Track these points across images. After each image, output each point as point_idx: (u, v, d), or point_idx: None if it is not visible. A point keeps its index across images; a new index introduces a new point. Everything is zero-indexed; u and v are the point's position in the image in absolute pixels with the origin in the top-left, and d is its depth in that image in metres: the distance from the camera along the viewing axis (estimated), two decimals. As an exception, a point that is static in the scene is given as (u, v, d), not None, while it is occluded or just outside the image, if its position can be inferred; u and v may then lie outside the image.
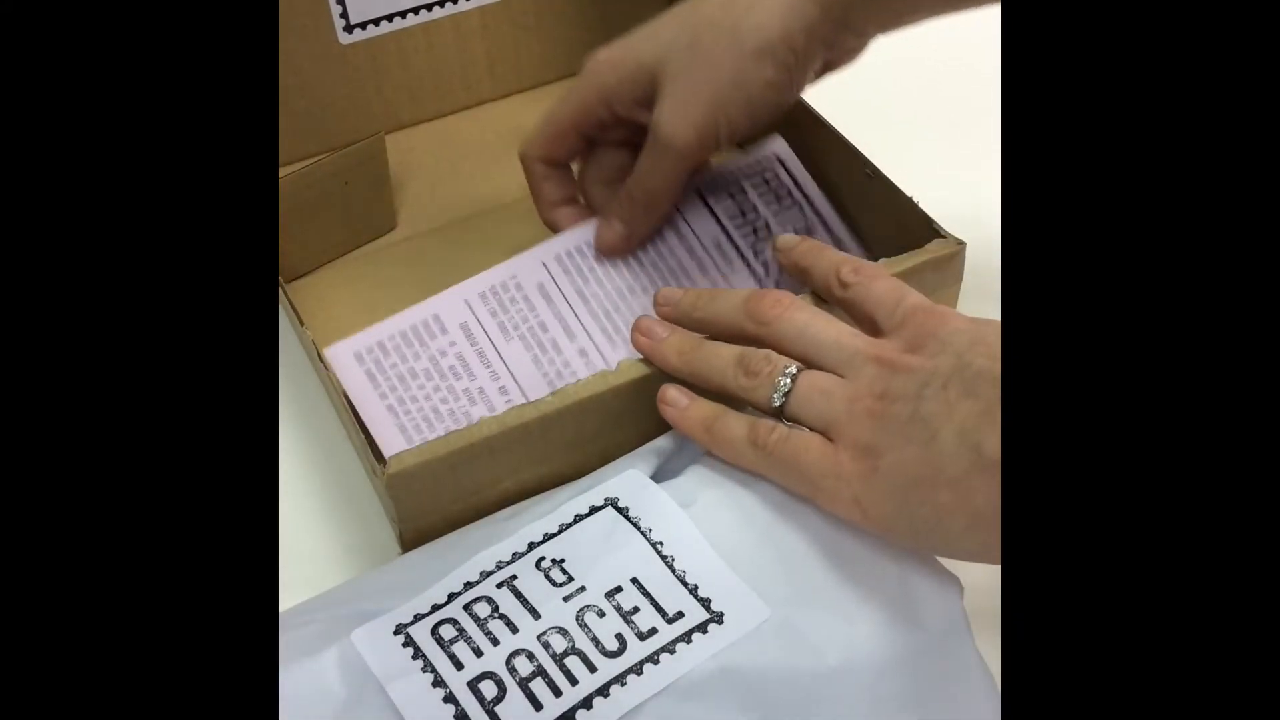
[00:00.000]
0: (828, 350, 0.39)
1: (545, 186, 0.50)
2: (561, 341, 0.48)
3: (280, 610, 0.40)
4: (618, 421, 0.44)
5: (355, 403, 0.44)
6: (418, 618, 0.38)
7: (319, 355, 0.48)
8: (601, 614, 0.37)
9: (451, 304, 0.48)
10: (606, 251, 0.49)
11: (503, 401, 0.46)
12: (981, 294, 0.52)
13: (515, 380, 0.47)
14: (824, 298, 0.44)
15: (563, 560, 0.39)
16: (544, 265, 0.48)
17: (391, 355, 0.46)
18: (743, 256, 0.51)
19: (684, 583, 0.39)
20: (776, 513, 0.41)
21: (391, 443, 0.45)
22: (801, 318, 0.41)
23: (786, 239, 0.46)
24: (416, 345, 0.47)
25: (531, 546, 0.39)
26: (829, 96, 0.57)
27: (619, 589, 0.38)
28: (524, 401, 0.44)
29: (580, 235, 0.50)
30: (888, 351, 0.38)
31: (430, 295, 0.55)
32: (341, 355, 0.46)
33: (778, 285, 0.51)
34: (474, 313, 0.48)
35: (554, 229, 0.51)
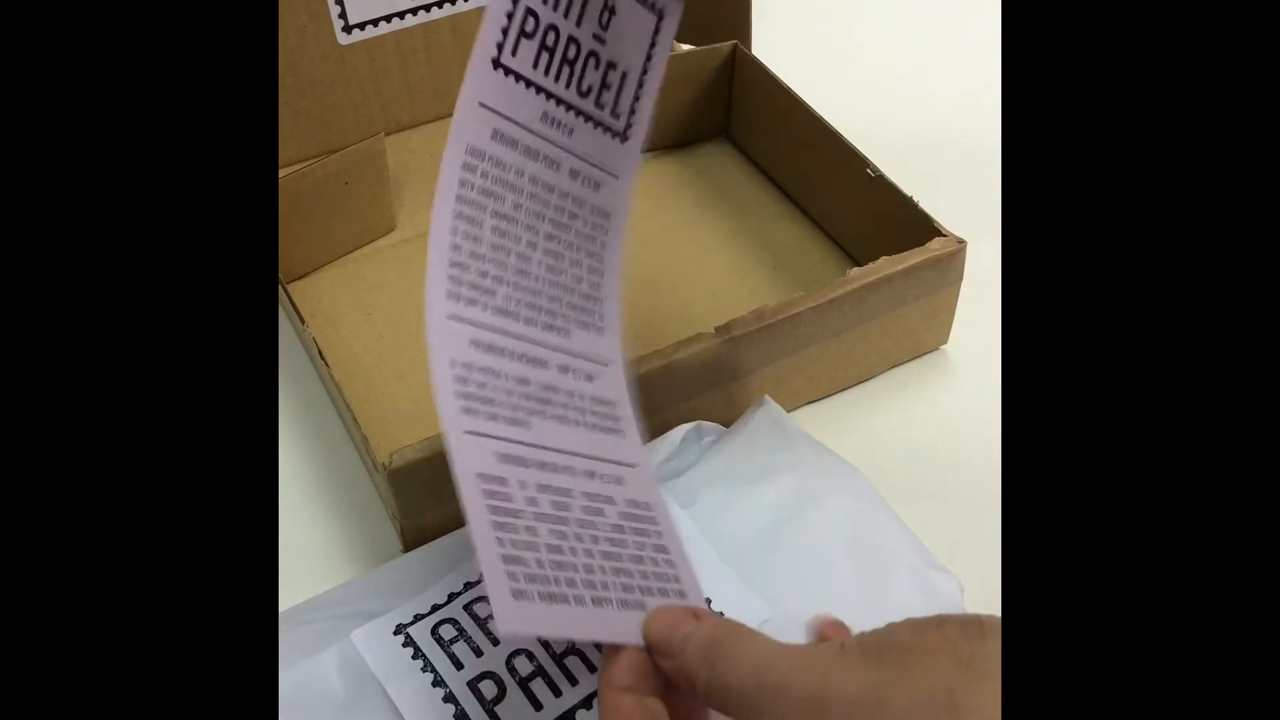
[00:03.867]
0: None
1: None
2: (546, 379, 0.38)
3: (280, 610, 0.40)
4: (618, 421, 0.44)
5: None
6: (418, 618, 0.38)
7: (319, 354, 0.48)
8: (602, 614, 0.37)
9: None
10: None
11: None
12: (982, 294, 0.52)
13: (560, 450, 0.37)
14: None
15: (563, 560, 0.38)
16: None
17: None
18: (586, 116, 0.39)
19: (684, 582, 0.39)
20: (777, 514, 0.41)
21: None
22: None
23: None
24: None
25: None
26: (831, 98, 0.57)
27: (619, 589, 0.37)
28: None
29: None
30: None
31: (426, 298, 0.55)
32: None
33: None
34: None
35: None
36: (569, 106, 0.37)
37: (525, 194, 0.37)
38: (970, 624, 0.28)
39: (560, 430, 0.37)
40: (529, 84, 0.37)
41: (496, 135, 0.36)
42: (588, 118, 0.38)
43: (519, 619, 0.32)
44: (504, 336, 0.36)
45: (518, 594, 0.32)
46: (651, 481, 0.38)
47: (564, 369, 0.38)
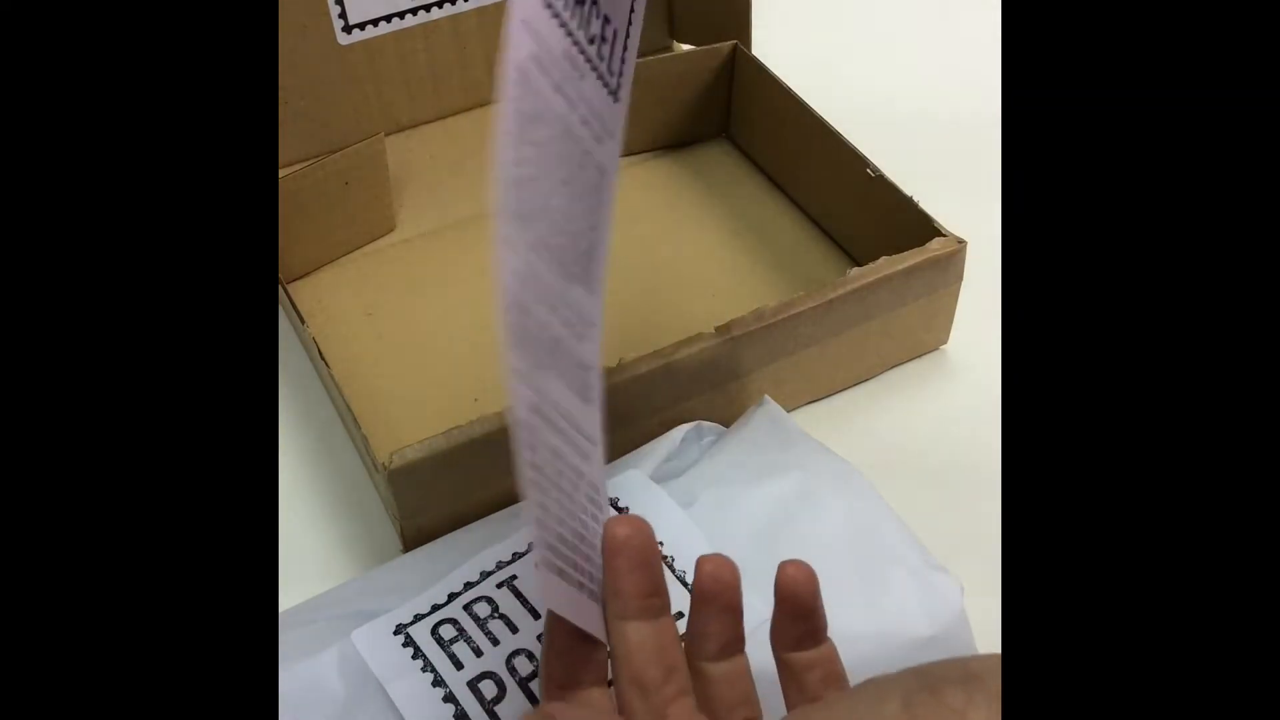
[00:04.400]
0: None
1: None
2: (555, 330, 0.36)
3: (280, 610, 0.40)
4: (618, 421, 0.44)
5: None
6: (418, 618, 0.38)
7: (319, 354, 0.48)
8: (602, 614, 0.37)
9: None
10: None
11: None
12: (982, 294, 0.52)
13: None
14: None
15: (563, 560, 0.38)
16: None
17: None
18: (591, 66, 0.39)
19: (684, 583, 0.39)
20: (776, 514, 0.41)
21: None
22: None
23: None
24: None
25: (532, 546, 0.39)
26: (832, 99, 0.57)
27: (619, 589, 0.37)
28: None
29: None
30: None
31: (428, 297, 0.56)
32: None
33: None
34: None
35: None
36: (581, 50, 0.38)
37: (557, 130, 0.36)
38: (969, 683, 0.24)
39: (561, 388, 0.36)
40: (555, 14, 0.36)
41: (535, 60, 0.36)
42: (593, 67, 0.38)
43: (548, 588, 0.32)
44: (533, 273, 0.35)
45: (546, 563, 0.32)
46: (602, 468, 0.37)
47: (567, 324, 0.36)
